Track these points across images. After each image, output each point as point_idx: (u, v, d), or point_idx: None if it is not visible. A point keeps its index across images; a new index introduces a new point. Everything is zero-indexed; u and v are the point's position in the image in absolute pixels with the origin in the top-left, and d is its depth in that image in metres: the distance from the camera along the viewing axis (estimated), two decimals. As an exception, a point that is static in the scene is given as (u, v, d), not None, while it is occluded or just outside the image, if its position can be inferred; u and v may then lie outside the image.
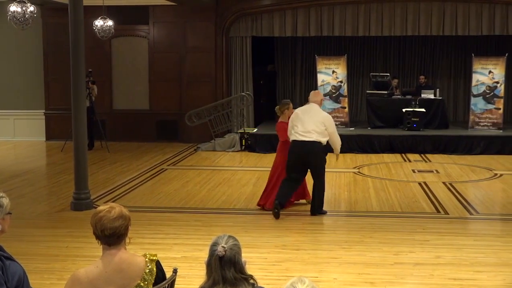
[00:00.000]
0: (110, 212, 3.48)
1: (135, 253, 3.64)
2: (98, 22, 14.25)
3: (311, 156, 9.01)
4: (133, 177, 12.13)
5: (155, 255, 3.62)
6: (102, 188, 11.04)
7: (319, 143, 9.02)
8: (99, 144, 15.60)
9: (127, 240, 3.58)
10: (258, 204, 9.66)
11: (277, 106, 9.92)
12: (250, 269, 3.35)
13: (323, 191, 9.25)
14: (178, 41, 17.05)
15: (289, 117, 9.38)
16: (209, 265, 3.20)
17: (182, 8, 16.64)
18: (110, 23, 14.39)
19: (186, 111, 16.31)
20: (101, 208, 3.55)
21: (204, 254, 3.29)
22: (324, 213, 9.26)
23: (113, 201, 9.66)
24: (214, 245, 3.20)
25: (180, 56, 17.07)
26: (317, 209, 9.22)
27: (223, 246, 3.15)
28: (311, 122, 9.02)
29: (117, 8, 16.39)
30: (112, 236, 3.46)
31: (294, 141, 9.07)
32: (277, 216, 8.90)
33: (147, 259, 3.56)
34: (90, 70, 14.71)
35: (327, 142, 9.20)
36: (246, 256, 3.40)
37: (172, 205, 9.91)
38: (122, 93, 17.40)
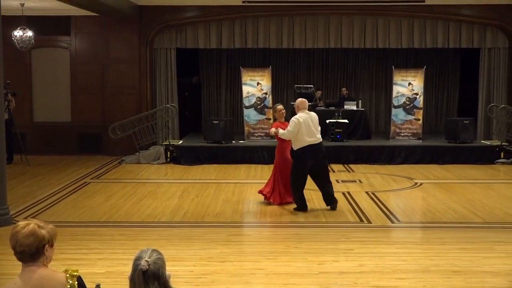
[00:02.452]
0: (24, 228, 3.37)
1: (56, 270, 3.54)
2: (17, 33, 13.90)
3: None
4: (55, 191, 11.83)
5: (77, 270, 3.53)
6: (22, 203, 10.70)
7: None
8: (18, 158, 15.12)
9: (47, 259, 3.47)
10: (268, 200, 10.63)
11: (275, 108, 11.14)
12: (175, 283, 3.32)
13: (293, 190, 10.18)
14: (101, 52, 16.79)
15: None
16: (132, 279, 3.15)
17: (105, 19, 16.41)
18: (30, 33, 14.05)
19: (109, 124, 16.04)
20: (19, 223, 3.44)
21: (129, 269, 3.23)
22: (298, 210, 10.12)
23: (33, 216, 9.43)
24: (138, 259, 3.14)
25: (103, 68, 16.82)
26: None
27: (146, 260, 3.10)
28: None
29: (38, 18, 16.00)
30: (23, 253, 3.36)
31: None
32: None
33: (68, 275, 3.46)
34: (8, 81, 14.27)
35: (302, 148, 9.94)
36: (172, 269, 3.37)
37: (95, 219, 9.71)
38: (43, 105, 16.98)
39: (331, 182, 10.38)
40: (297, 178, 10.05)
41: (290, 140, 10.15)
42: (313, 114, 10.31)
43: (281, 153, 10.47)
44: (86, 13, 15.85)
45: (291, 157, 10.16)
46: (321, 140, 10.23)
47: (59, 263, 5.83)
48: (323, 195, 10.25)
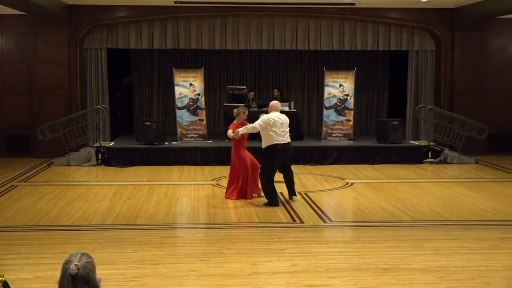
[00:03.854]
0: None
1: (-19, 276, 3.44)
2: None
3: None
4: (-19, 195, 11.48)
5: (3, 275, 3.44)
6: None
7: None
8: None
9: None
10: (228, 197, 11.14)
11: (236, 109, 11.26)
12: (107, 286, 3.28)
13: (263, 187, 10.75)
14: (29, 52, 16.38)
15: (242, 121, 11.04)
16: (61, 284, 3.08)
17: (32, 18, 16.02)
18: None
19: (38, 125, 15.66)
20: None
21: (58, 273, 3.16)
22: (267, 204, 10.61)
23: (-43, 221, 9.10)
24: (67, 263, 3.08)
25: (31, 68, 16.41)
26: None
27: (76, 264, 3.04)
28: None
29: (-39, 16, 15.51)
30: None
31: None
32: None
33: (-7, 281, 3.37)
34: None
35: (272, 146, 10.44)
36: (103, 273, 3.31)
37: (23, 223, 9.45)
38: (-32, 106, 16.45)
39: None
40: (267, 176, 10.54)
41: (245, 140, 11.01)
42: (283, 116, 10.70)
43: (237, 152, 11.08)
44: (13, 12, 15.45)
45: (263, 155, 10.62)
46: (290, 141, 10.70)
47: (-15, 269, 5.66)
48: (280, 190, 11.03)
